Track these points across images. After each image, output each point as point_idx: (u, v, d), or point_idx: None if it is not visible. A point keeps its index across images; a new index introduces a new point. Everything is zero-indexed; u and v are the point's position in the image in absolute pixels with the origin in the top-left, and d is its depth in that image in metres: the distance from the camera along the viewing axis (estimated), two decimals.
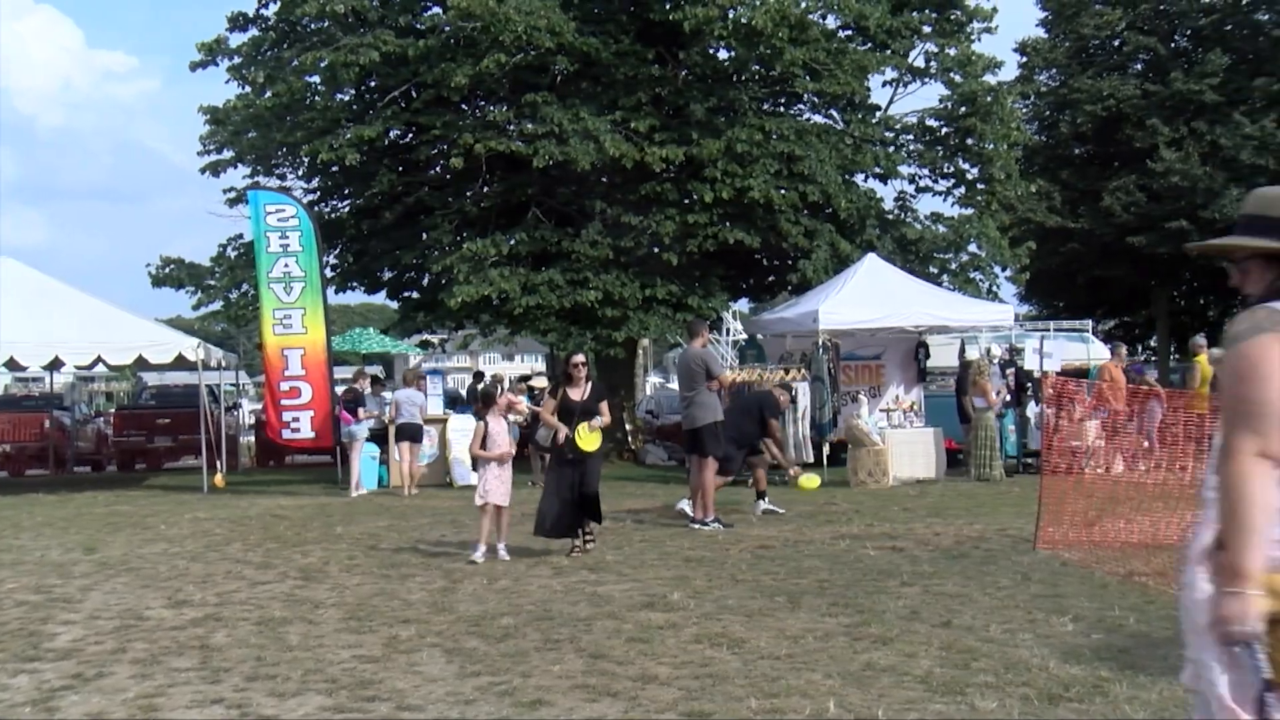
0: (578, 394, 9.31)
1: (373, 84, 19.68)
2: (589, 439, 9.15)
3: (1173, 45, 28.26)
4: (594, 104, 18.16)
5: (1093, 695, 4.89)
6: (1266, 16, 27.30)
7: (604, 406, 9.35)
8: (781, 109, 20.73)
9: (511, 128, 18.47)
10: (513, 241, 18.59)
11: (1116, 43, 28.62)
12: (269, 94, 18.73)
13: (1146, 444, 13.69)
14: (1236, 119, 24.83)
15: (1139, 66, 28.34)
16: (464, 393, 36.85)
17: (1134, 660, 5.43)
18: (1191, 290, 32.19)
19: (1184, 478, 11.24)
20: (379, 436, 16.26)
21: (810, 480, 12.28)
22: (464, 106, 19.47)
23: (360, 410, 15.67)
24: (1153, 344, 33.14)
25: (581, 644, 6.10)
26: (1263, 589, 2.44)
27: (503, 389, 9.75)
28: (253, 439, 23.52)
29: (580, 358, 9.74)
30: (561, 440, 9.22)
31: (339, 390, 16.71)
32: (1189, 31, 28.27)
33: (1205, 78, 25.48)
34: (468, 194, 19.24)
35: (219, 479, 16.36)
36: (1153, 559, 8.16)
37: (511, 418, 12.00)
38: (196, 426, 17.22)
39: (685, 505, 11.37)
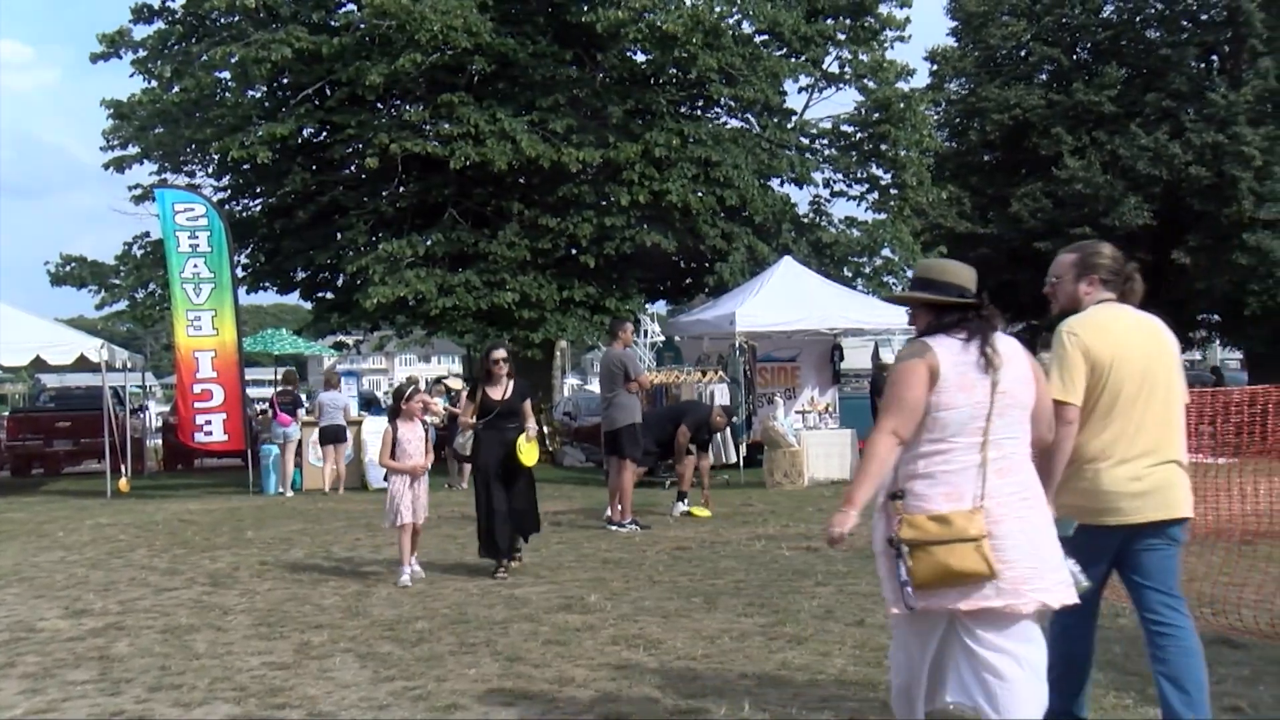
0: (498, 393, 8.47)
1: (285, 81, 19.32)
2: (529, 451, 8.39)
3: (1075, 57, 29.07)
4: (511, 104, 18.07)
5: None
6: (1157, 34, 28.28)
7: (529, 408, 8.59)
8: (699, 112, 20.85)
9: (428, 128, 18.28)
10: (429, 242, 18.40)
11: (1023, 53, 29.35)
12: (176, 89, 18.28)
13: None
14: (1133, 130, 25.65)
15: (1044, 77, 29.10)
16: (381, 395, 36.38)
17: None
18: None
19: None
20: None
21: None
22: (379, 105, 19.22)
23: (300, 411, 15.75)
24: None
25: (497, 647, 6.05)
26: (904, 522, 3.57)
27: (417, 390, 8.85)
28: (160, 442, 22.90)
29: (501, 353, 8.67)
30: (466, 427, 8.59)
31: (272, 392, 16.58)
32: (1089, 45, 29.10)
33: (1104, 89, 26.26)
34: (383, 194, 18.99)
35: (123, 483, 15.89)
36: None
37: (428, 419, 11.68)
38: (99, 430, 16.69)
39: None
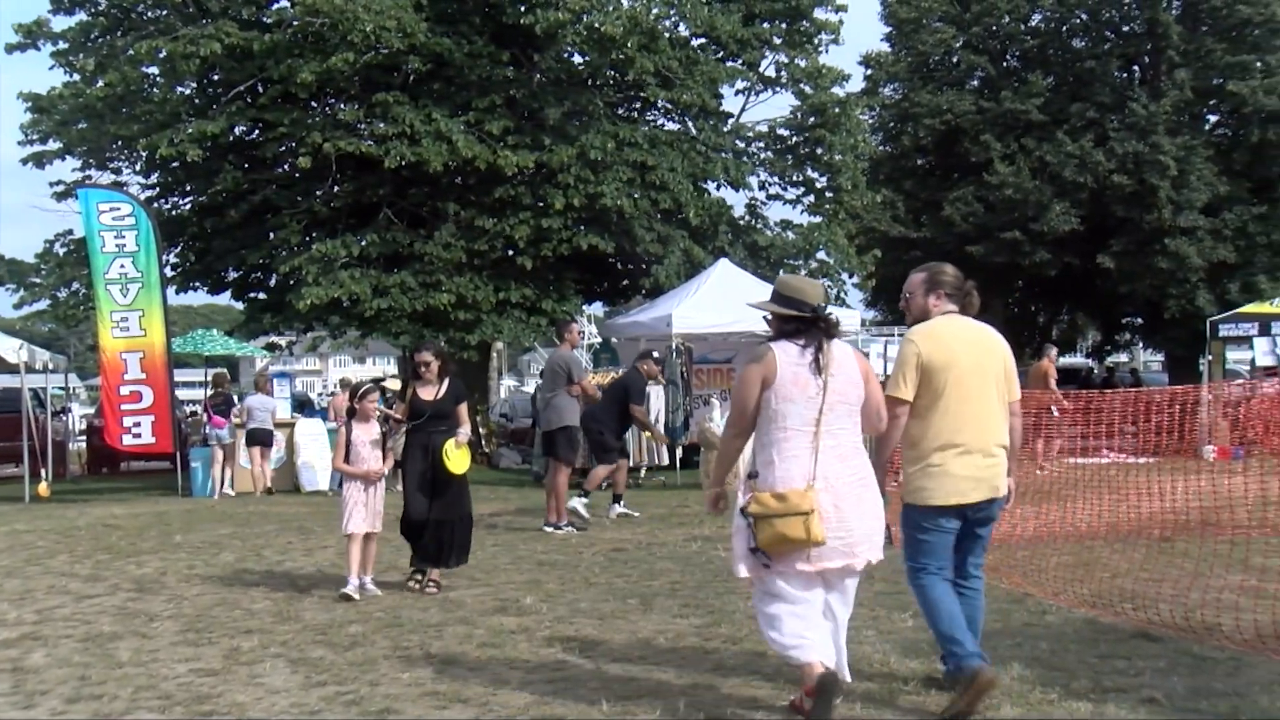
0: (430, 394, 7.85)
1: (216, 77, 18.99)
2: (457, 458, 7.66)
3: (1004, 65, 29.65)
4: (447, 105, 17.95)
5: (929, 688, 5.07)
6: (1082, 44, 28.96)
7: (463, 411, 7.95)
8: (635, 114, 20.89)
9: (363, 127, 18.08)
10: (364, 243, 18.20)
11: (954, 60, 29.86)
12: (101, 83, 17.83)
13: None
14: (1060, 137, 26.22)
15: (975, 83, 29.63)
16: (316, 397, 35.87)
17: None
18: (1024, 299, 33.81)
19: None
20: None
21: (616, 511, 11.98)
22: (314, 104, 18.96)
23: (233, 413, 15.56)
24: None
25: (432, 650, 6.01)
26: (753, 498, 4.44)
27: (373, 389, 8.24)
28: (84, 445, 22.35)
29: (427, 355, 7.92)
30: (396, 441, 8.02)
31: (206, 393, 16.34)
32: (1018, 53, 29.71)
33: (1031, 98, 26.82)
34: (317, 193, 18.73)
35: (43, 488, 15.49)
36: (987, 554, 8.51)
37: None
38: (17, 433, 16.24)
39: (579, 504, 11.43)
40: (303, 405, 25.12)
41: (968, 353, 4.81)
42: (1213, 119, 28.69)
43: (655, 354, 12.55)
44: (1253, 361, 19.76)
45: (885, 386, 4.81)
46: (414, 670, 5.60)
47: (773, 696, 5.02)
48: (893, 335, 19.34)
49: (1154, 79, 27.58)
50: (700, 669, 5.51)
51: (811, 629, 4.52)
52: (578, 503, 11.28)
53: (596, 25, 17.13)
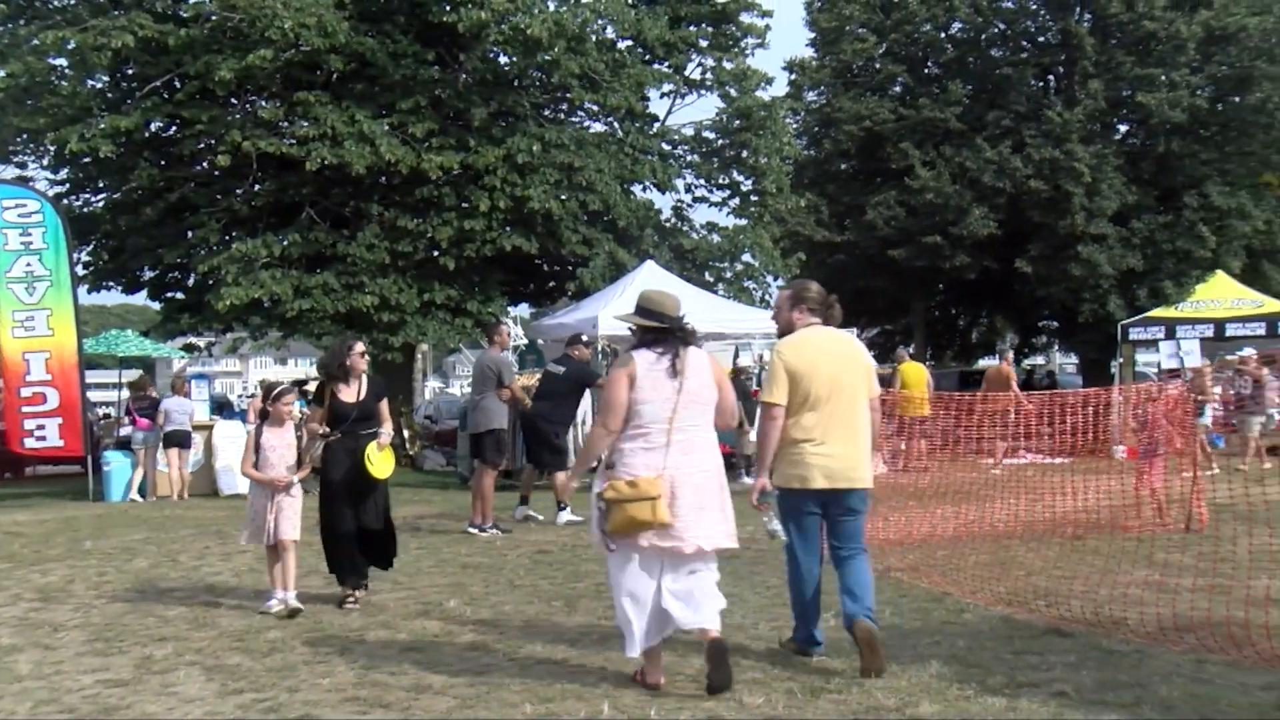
0: (351, 395, 7.34)
1: (130, 71, 18.50)
2: (380, 462, 7.19)
3: (924, 73, 30.20)
4: (370, 105, 17.72)
5: (850, 686, 5.14)
6: (999, 54, 29.64)
7: (384, 410, 7.49)
8: (562, 116, 20.86)
9: (285, 125, 17.77)
10: (285, 243, 17.89)
11: (876, 67, 30.32)
12: (4, 73, 17.25)
13: (904, 445, 14.60)
14: (978, 144, 26.79)
15: (896, 90, 30.12)
16: (235, 399, 35.11)
17: (888, 651, 5.71)
18: (944, 302, 34.45)
19: (926, 477, 12.05)
20: (126, 444, 15.53)
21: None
22: (234, 101, 18.57)
23: (158, 414, 15.20)
24: (911, 350, 35.28)
25: (353, 655, 5.92)
26: (608, 485, 5.01)
27: (289, 389, 7.61)
28: None
29: (361, 347, 7.53)
30: (315, 436, 7.30)
31: (120, 395, 15.89)
32: (937, 61, 30.28)
33: (950, 105, 27.37)
34: (237, 192, 18.38)
35: None
36: (907, 555, 8.68)
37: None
38: None
39: (523, 510, 11.35)
40: (221, 407, 24.60)
41: (828, 359, 5.50)
42: (1123, 129, 29.56)
43: (584, 337, 12.58)
44: (1159, 364, 20.38)
45: (764, 392, 5.59)
46: (334, 676, 5.52)
47: (696, 697, 5.04)
48: None
49: (1068, 88, 28.32)
50: (625, 670, 5.51)
51: (644, 616, 5.08)
52: (564, 515, 11.21)
53: (522, 27, 17.04)
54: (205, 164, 18.84)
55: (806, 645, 5.68)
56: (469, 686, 5.29)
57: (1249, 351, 16.27)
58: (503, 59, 19.26)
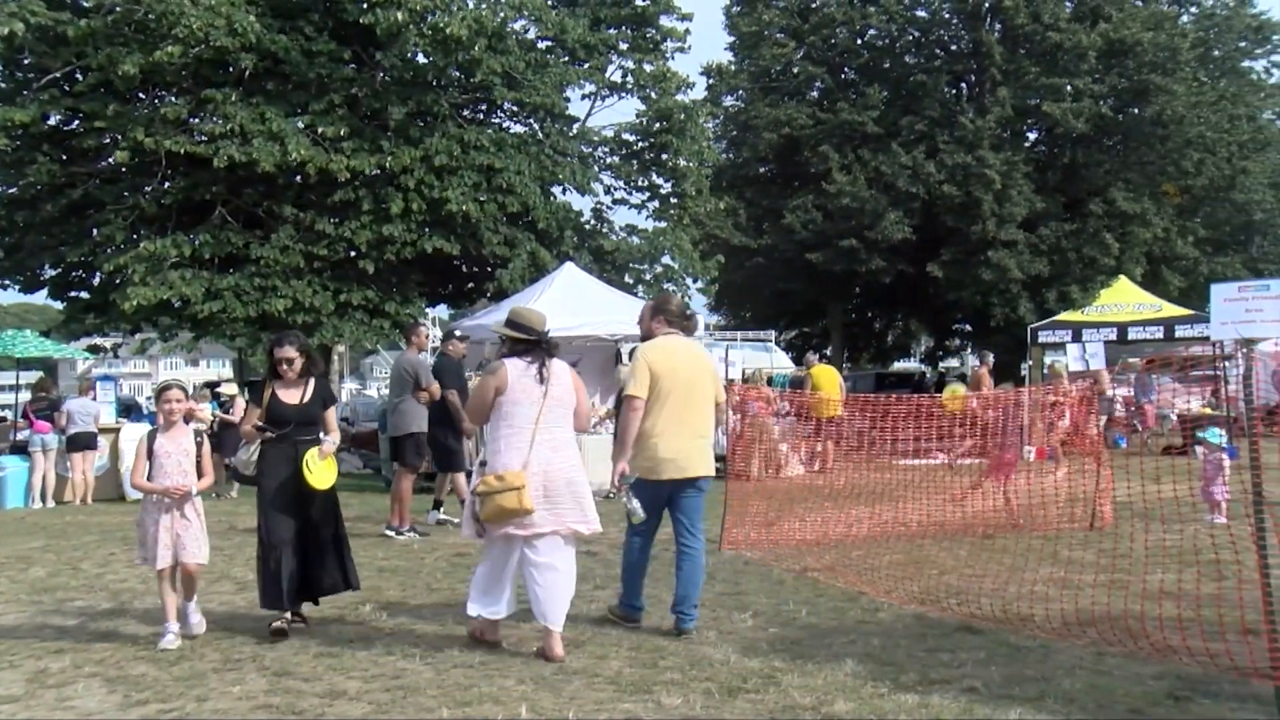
0: (294, 397, 6.61)
1: (26, 61, 17.84)
2: (321, 471, 6.51)
3: (841, 78, 30.69)
4: (283, 104, 17.34)
5: (767, 686, 5.20)
6: (914, 60, 30.27)
7: (330, 418, 6.81)
8: (481, 116, 20.72)
9: (195, 122, 17.31)
10: (196, 242, 17.43)
11: (794, 71, 30.72)
12: None
13: (820, 447, 14.80)
14: (894, 149, 27.30)
15: (814, 95, 30.55)
16: (144, 401, 34.14)
17: (804, 650, 5.82)
18: (861, 305, 35.03)
19: (841, 478, 12.22)
20: (22, 448, 15.00)
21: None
22: (141, 96, 18.06)
23: (56, 416, 14.66)
24: (828, 352, 35.83)
25: (265, 662, 5.81)
26: (481, 480, 5.76)
27: (171, 387, 6.58)
28: None
29: (289, 350, 6.64)
30: (250, 454, 6.56)
31: (18, 397, 15.31)
32: (854, 67, 30.81)
33: (867, 110, 27.86)
34: (145, 190, 17.85)
35: None
36: (824, 555, 8.80)
37: (195, 425, 10.79)
38: None
39: (437, 515, 11.21)
40: (129, 410, 23.90)
41: (682, 364, 6.32)
42: (1032, 137, 30.39)
43: (457, 332, 12.45)
44: (1066, 366, 20.97)
45: (626, 386, 6.31)
46: (246, 684, 5.40)
47: (614, 699, 5.05)
48: (735, 340, 19.71)
49: (979, 96, 29.02)
50: (542, 673, 5.50)
51: (498, 591, 5.92)
52: (435, 515, 11.19)
53: (441, 26, 16.86)
54: (110, 160, 18.28)
55: (632, 612, 6.48)
56: (384, 692, 5.22)
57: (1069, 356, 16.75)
58: (421, 58, 19.05)
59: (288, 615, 6.45)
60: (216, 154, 16.32)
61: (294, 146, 16.44)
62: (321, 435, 6.69)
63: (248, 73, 17.43)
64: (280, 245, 17.29)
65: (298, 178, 17.99)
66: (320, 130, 17.14)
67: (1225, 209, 30.48)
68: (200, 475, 6.43)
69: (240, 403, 7.49)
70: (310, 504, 6.52)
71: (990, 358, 18.99)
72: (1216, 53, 30.91)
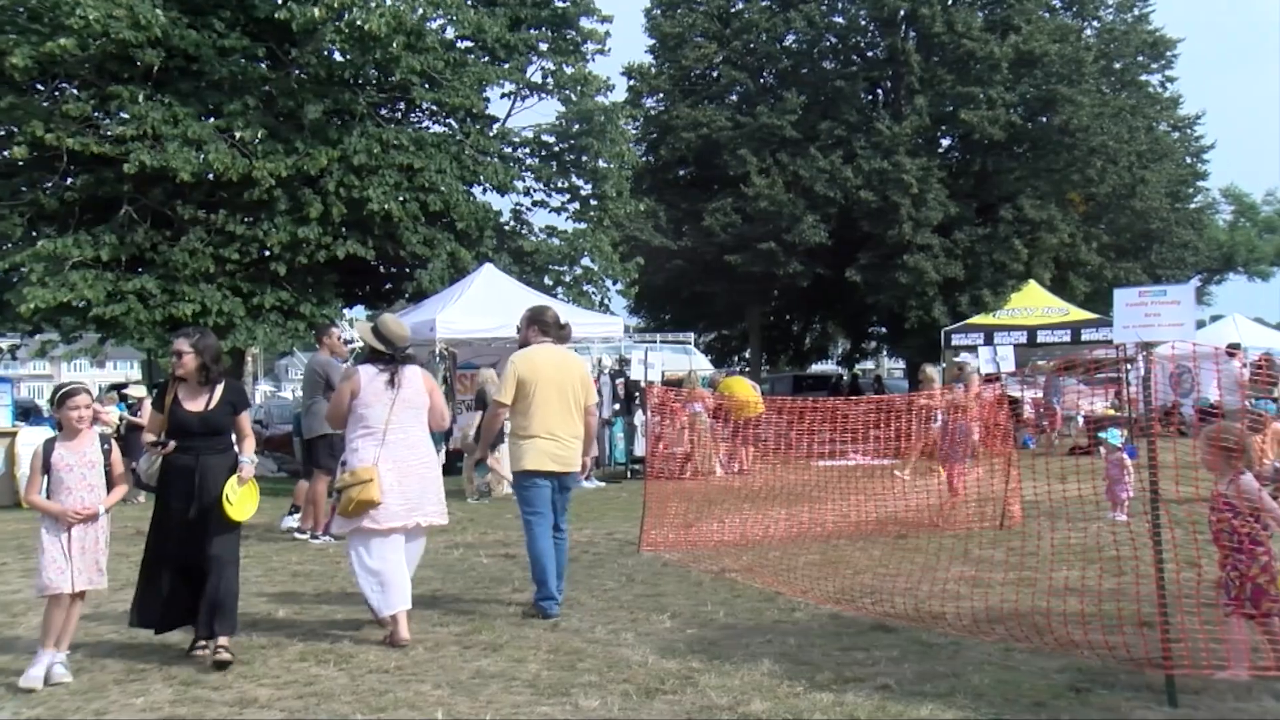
0: (199, 402, 5.94)
1: None
2: (242, 501, 5.86)
3: (761, 82, 31.00)
4: (195, 102, 16.86)
5: (685, 686, 5.23)
6: (832, 66, 30.72)
7: (244, 424, 6.16)
8: (400, 116, 20.47)
9: (102, 118, 16.72)
10: (100, 242, 16.79)
11: (714, 75, 30.95)
12: None
13: (740, 450, 14.91)
14: (812, 153, 27.66)
15: (733, 98, 30.81)
16: (42, 403, 33.07)
17: (722, 651, 5.86)
18: (779, 308, 35.40)
19: (757, 480, 12.35)
20: None
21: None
22: (40, 87, 17.41)
23: None
24: (747, 355, 36.14)
25: (171, 671, 5.67)
26: (339, 477, 6.34)
27: (76, 390, 5.84)
28: None
29: (183, 344, 5.96)
30: (151, 463, 5.88)
31: None
32: (773, 71, 31.14)
33: (786, 114, 28.18)
34: (45, 185, 17.21)
35: None
36: (742, 556, 8.88)
37: (98, 428, 10.40)
38: None
39: (290, 521, 10.96)
40: (27, 413, 23.12)
41: (553, 370, 6.96)
42: (945, 143, 31.04)
43: (334, 326, 12.29)
44: (979, 369, 21.45)
45: (498, 393, 7.02)
46: (150, 694, 5.27)
47: (531, 702, 5.04)
48: (655, 342, 19.78)
49: (895, 102, 29.54)
50: (459, 677, 5.46)
51: (390, 586, 6.21)
52: (288, 520, 10.96)
53: (359, 22, 16.59)
54: (5, 154, 17.58)
55: (547, 605, 6.83)
56: (297, 699, 5.14)
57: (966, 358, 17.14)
58: (338, 56, 18.72)
59: (221, 642, 5.78)
60: (128, 158, 15.77)
61: (213, 155, 15.97)
62: (238, 455, 6.02)
63: (156, 69, 16.89)
64: (189, 248, 16.81)
65: (210, 175, 17.50)
66: (237, 134, 16.69)
67: (1127, 216, 31.48)
68: (111, 486, 5.76)
69: (149, 406, 6.96)
70: (207, 526, 5.80)
71: (971, 361, 19.25)
72: (1117, 65, 31.94)
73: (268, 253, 17.63)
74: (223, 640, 5.77)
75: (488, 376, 14.24)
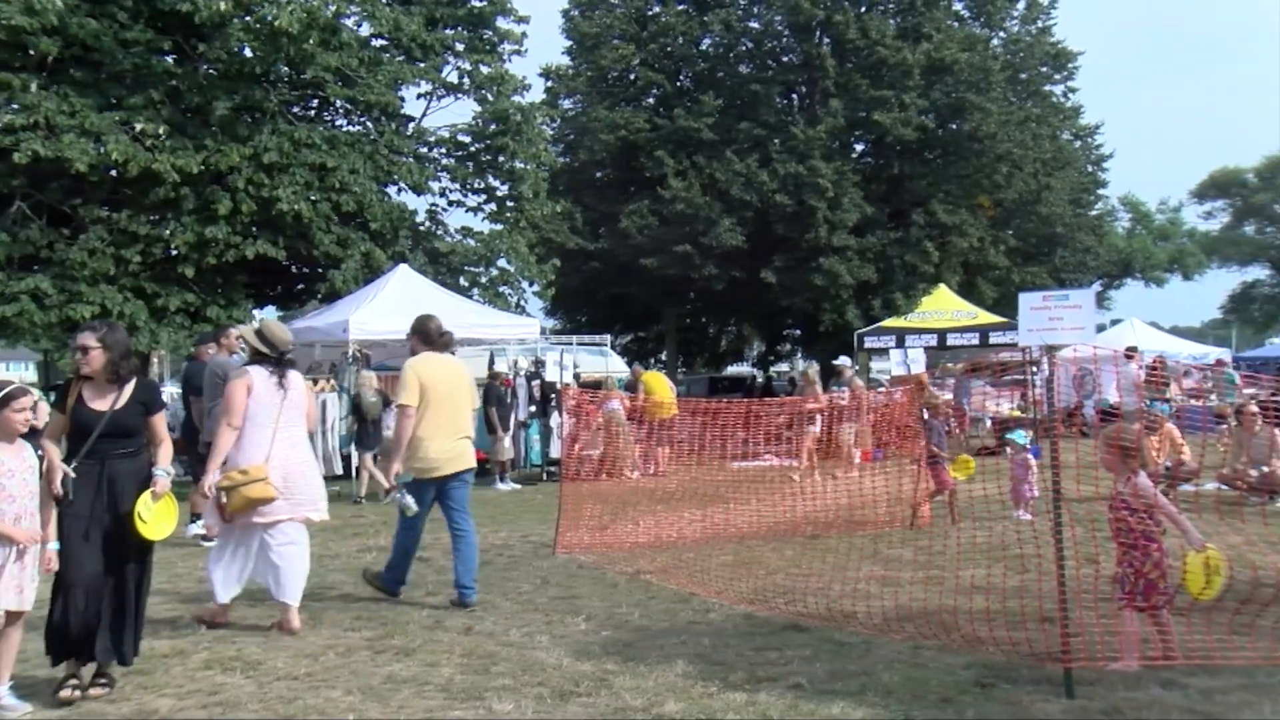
0: (105, 401, 5.40)
1: None
2: (157, 519, 5.38)
3: (678, 84, 31.19)
4: (95, 95, 16.30)
5: (599, 688, 5.23)
6: (748, 70, 31.05)
7: (158, 427, 5.57)
8: (313, 114, 20.11)
9: None
10: None
11: (632, 76, 31.04)
12: None
13: (654, 451, 14.98)
14: (729, 156, 27.91)
15: (651, 101, 30.93)
16: None
17: (636, 652, 5.88)
18: (694, 309, 35.63)
19: (672, 481, 12.42)
20: None
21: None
22: None
23: None
24: (663, 357, 36.30)
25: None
26: (224, 475, 6.44)
27: (21, 392, 5.22)
28: None
29: (88, 339, 5.40)
30: (58, 486, 5.17)
31: None
32: (690, 74, 31.36)
33: (703, 117, 28.39)
34: None
35: None
36: (657, 557, 8.90)
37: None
38: None
39: (195, 528, 10.70)
40: None
41: (443, 376, 7.36)
42: (860, 148, 31.59)
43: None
44: (890, 371, 21.87)
45: (399, 397, 7.29)
46: (45, 709, 5.09)
47: (444, 707, 4.99)
48: (570, 344, 19.74)
49: (811, 107, 29.96)
50: (371, 683, 5.38)
51: (233, 577, 6.60)
52: (191, 528, 10.64)
53: (269, 18, 16.23)
54: None
55: (394, 586, 7.45)
56: (200, 709, 5.02)
57: (844, 361, 17.51)
58: (247, 51, 18.28)
59: (80, 673, 5.29)
60: (18, 147, 15.19)
61: (112, 146, 15.47)
62: (153, 464, 5.50)
63: (51, 59, 16.26)
64: (89, 247, 16.24)
65: (112, 172, 16.94)
66: (139, 127, 16.18)
67: (1032, 221, 32.39)
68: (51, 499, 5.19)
69: (44, 409, 6.44)
70: (115, 542, 5.29)
71: (922, 360, 19.51)
72: (1023, 75, 32.85)
73: (174, 253, 17.12)
74: (104, 678, 5.33)
75: (365, 380, 14.12)
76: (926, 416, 10.84)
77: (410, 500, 7.18)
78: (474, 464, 7.50)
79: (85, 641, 5.24)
